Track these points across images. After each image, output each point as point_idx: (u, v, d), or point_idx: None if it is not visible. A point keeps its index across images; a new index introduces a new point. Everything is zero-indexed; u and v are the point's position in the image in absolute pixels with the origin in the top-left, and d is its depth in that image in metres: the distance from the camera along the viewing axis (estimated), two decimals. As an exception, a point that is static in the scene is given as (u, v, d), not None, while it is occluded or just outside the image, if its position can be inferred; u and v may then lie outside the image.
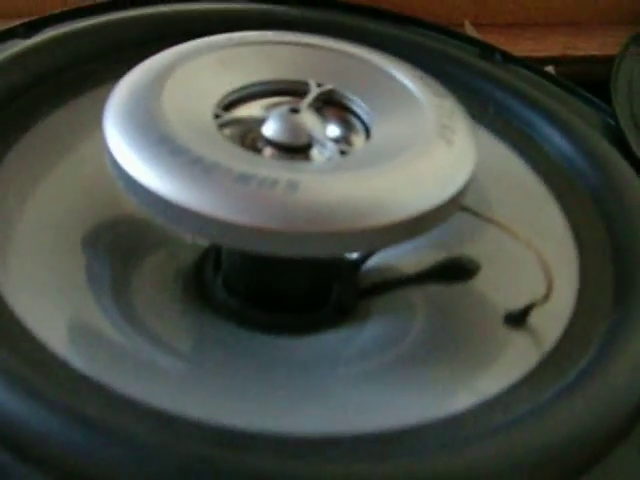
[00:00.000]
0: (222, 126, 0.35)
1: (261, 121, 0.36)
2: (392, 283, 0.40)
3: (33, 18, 0.48)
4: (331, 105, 0.38)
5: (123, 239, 0.40)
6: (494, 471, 0.29)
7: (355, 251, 0.37)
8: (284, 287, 0.38)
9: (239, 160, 0.32)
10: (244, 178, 0.31)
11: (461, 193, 0.34)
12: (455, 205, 0.34)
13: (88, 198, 0.40)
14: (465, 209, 0.35)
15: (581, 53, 0.60)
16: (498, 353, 0.36)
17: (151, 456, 0.28)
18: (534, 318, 0.37)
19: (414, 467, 0.29)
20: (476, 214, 0.36)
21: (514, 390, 0.33)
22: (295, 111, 0.36)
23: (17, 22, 0.47)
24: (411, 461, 0.29)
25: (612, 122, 0.48)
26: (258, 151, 0.35)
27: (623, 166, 0.44)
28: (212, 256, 0.40)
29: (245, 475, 0.28)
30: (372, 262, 0.41)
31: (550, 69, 0.55)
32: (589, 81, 0.52)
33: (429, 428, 0.31)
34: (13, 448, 0.29)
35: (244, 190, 0.31)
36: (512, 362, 0.35)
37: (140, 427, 0.29)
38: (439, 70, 0.43)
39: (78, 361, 0.32)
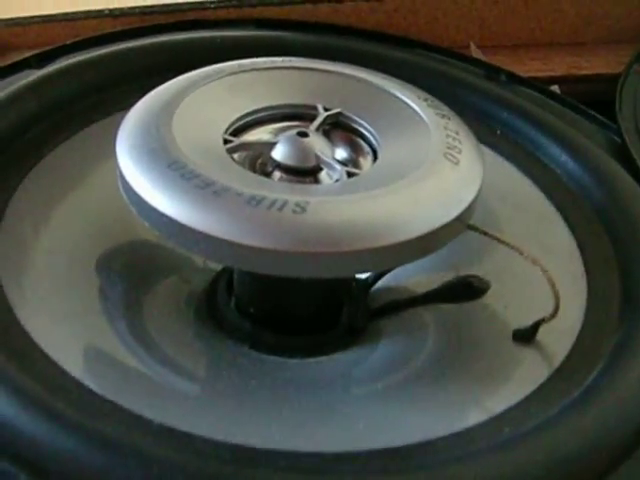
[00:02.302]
0: (232, 151, 0.36)
1: (270, 145, 0.36)
2: (402, 303, 0.40)
3: (45, 49, 0.49)
4: (339, 128, 0.39)
5: (136, 264, 0.40)
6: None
7: (364, 271, 0.38)
8: (295, 309, 0.39)
9: (249, 183, 0.33)
10: (254, 200, 0.32)
11: (468, 212, 0.34)
12: (462, 224, 0.34)
13: (101, 224, 0.41)
14: (472, 228, 0.36)
15: (585, 72, 0.60)
16: (508, 370, 0.36)
17: (167, 475, 0.28)
18: (543, 335, 0.37)
19: (424, 480, 0.29)
20: (483, 233, 0.36)
21: (523, 406, 0.34)
22: (304, 135, 0.36)
23: (30, 53, 0.48)
24: (421, 475, 0.30)
25: (618, 139, 0.49)
26: (268, 175, 0.36)
27: (629, 183, 0.44)
28: (224, 279, 0.40)
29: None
30: (382, 283, 0.41)
31: (555, 89, 0.55)
32: (594, 99, 0.52)
33: (439, 443, 0.32)
34: (30, 468, 0.29)
35: (254, 212, 0.31)
36: (521, 378, 0.36)
37: (155, 446, 0.29)
38: (445, 92, 0.43)
39: (93, 383, 0.33)
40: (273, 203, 0.32)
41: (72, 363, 0.33)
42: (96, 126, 0.44)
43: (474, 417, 0.33)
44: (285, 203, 0.32)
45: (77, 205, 0.41)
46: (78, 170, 0.43)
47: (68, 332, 0.35)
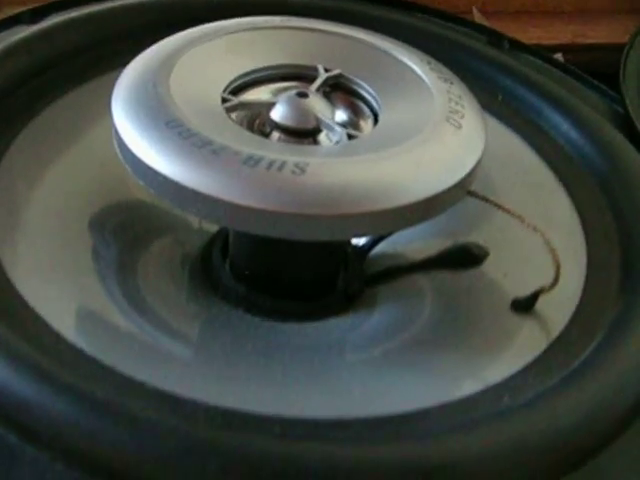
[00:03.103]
0: (230, 110, 0.35)
1: (269, 105, 0.36)
2: (399, 270, 0.39)
3: (38, 5, 0.48)
4: (339, 90, 0.38)
5: (130, 224, 0.40)
6: (501, 454, 0.29)
7: (362, 235, 0.37)
8: (291, 273, 0.38)
9: (247, 143, 0.32)
10: (252, 160, 0.31)
11: (469, 178, 0.34)
12: (463, 189, 0.34)
13: (96, 183, 0.40)
14: (473, 194, 0.35)
15: (590, 41, 0.60)
16: (506, 339, 0.36)
17: (159, 438, 0.28)
18: (542, 304, 0.36)
19: (420, 449, 0.29)
20: (484, 199, 0.36)
21: (522, 375, 0.33)
22: (303, 95, 0.36)
23: (22, 8, 0.47)
24: (417, 444, 0.29)
25: (621, 110, 0.48)
26: (266, 135, 0.35)
27: (631, 153, 0.44)
28: (219, 242, 0.40)
29: (252, 457, 0.28)
30: (379, 249, 0.40)
31: (559, 57, 0.54)
32: (598, 69, 0.51)
33: (436, 412, 0.31)
34: (21, 430, 0.29)
35: (252, 172, 0.31)
36: (520, 348, 0.35)
37: (148, 409, 0.29)
38: (447, 57, 0.42)
39: (86, 345, 0.32)
40: (272, 163, 0.31)
41: (64, 324, 0.33)
42: (91, 84, 0.43)
43: (471, 386, 0.33)
44: (284, 164, 0.31)
45: (71, 164, 0.41)
46: (72, 128, 0.42)
47: (60, 292, 0.35)
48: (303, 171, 0.31)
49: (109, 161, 0.36)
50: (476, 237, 0.40)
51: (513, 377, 0.33)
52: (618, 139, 0.44)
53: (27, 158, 0.39)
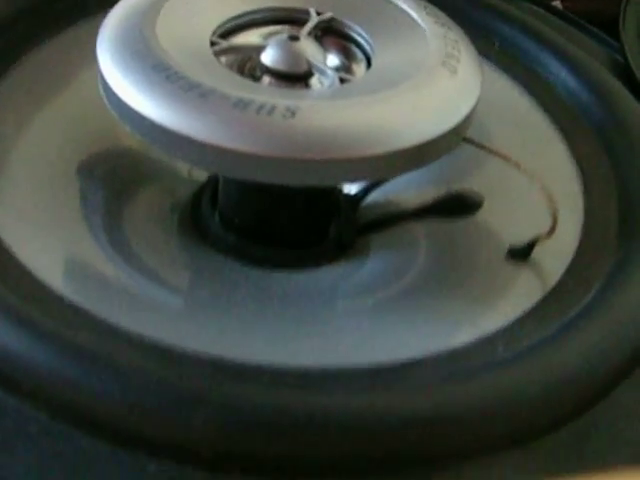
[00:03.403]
0: (219, 54, 0.34)
1: (259, 49, 0.35)
2: (393, 218, 0.39)
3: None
4: (331, 34, 0.37)
5: (119, 172, 0.39)
6: (496, 404, 0.29)
7: (354, 181, 0.36)
8: (282, 221, 0.37)
9: (237, 86, 0.32)
10: (241, 103, 0.30)
11: (465, 123, 0.33)
12: (459, 135, 0.33)
13: (82, 130, 0.39)
14: (469, 140, 0.34)
15: (589, -13, 0.58)
16: (501, 288, 0.35)
17: (145, 387, 0.27)
18: (538, 253, 0.36)
19: (411, 399, 0.28)
20: (480, 146, 0.35)
21: (517, 325, 0.33)
22: (294, 39, 0.35)
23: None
24: (410, 393, 0.29)
25: (620, 59, 0.47)
26: (256, 79, 0.35)
27: (630, 102, 0.43)
28: (209, 190, 0.39)
29: (242, 407, 0.27)
30: (372, 197, 0.40)
31: (557, 4, 0.53)
32: (597, 17, 0.50)
33: (429, 361, 0.31)
34: (3, 380, 0.28)
35: (241, 115, 0.30)
36: (516, 297, 0.35)
37: (133, 358, 0.28)
38: (444, 3, 0.41)
39: (71, 293, 0.31)
40: (261, 107, 0.30)
41: (48, 272, 0.32)
42: (76, 28, 0.42)
43: (466, 335, 0.32)
44: (274, 107, 0.30)
45: (57, 111, 0.40)
46: (57, 75, 0.41)
47: (45, 240, 0.34)
48: (294, 114, 0.30)
49: (96, 108, 0.35)
50: (471, 185, 0.39)
51: (508, 327, 0.33)
52: (617, 87, 0.43)
53: (11, 105, 0.39)
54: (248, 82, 0.33)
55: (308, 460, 0.27)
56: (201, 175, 0.40)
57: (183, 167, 0.40)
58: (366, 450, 0.28)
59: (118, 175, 0.39)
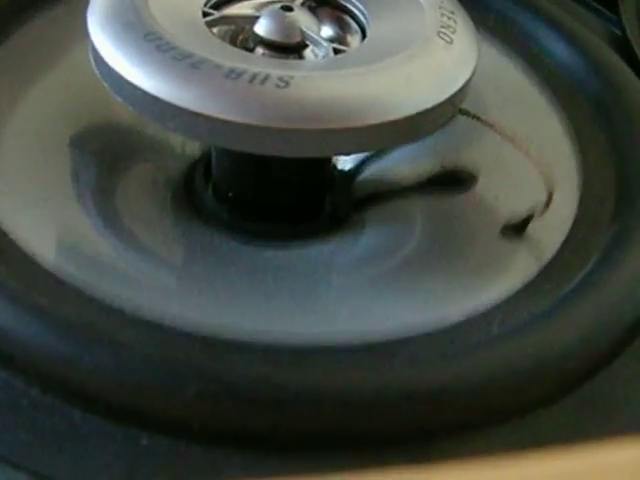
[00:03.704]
0: (211, 24, 0.34)
1: (252, 19, 0.34)
2: (388, 193, 0.38)
3: None
4: (326, 5, 0.37)
5: (111, 147, 0.38)
6: (492, 379, 0.29)
7: (349, 152, 0.36)
8: (276, 195, 0.37)
9: (229, 56, 0.31)
10: (234, 73, 0.30)
11: (461, 94, 0.33)
12: (454, 106, 0.33)
13: (75, 105, 0.39)
14: (465, 112, 0.34)
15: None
16: (497, 263, 0.35)
17: (137, 361, 0.27)
18: (534, 228, 0.35)
19: (406, 376, 0.28)
20: (476, 118, 0.35)
21: (513, 300, 0.32)
22: (288, 9, 0.34)
23: None
24: (403, 370, 0.28)
25: (618, 32, 0.47)
26: (250, 51, 0.34)
27: (628, 76, 0.42)
28: (202, 165, 0.39)
29: (234, 380, 0.27)
30: (367, 172, 0.39)
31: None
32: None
33: (424, 338, 0.30)
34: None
35: (234, 85, 0.30)
36: (511, 272, 0.34)
37: (125, 333, 0.28)
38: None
39: (62, 270, 0.31)
40: (254, 76, 0.30)
41: (40, 248, 0.32)
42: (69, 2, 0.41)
43: (461, 310, 0.32)
44: (267, 77, 0.30)
45: (51, 84, 0.39)
46: (53, 47, 0.40)
47: (37, 216, 0.34)
48: (287, 84, 0.30)
49: (90, 82, 0.35)
50: (467, 159, 0.38)
51: (504, 302, 0.32)
52: (614, 61, 0.43)
53: (3, 80, 0.38)
54: (241, 52, 0.33)
55: (302, 433, 0.27)
56: (195, 150, 0.39)
57: (177, 142, 0.39)
58: (360, 424, 0.28)
59: (111, 150, 0.38)
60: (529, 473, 0.26)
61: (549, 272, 0.34)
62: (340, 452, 0.27)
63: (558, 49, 0.43)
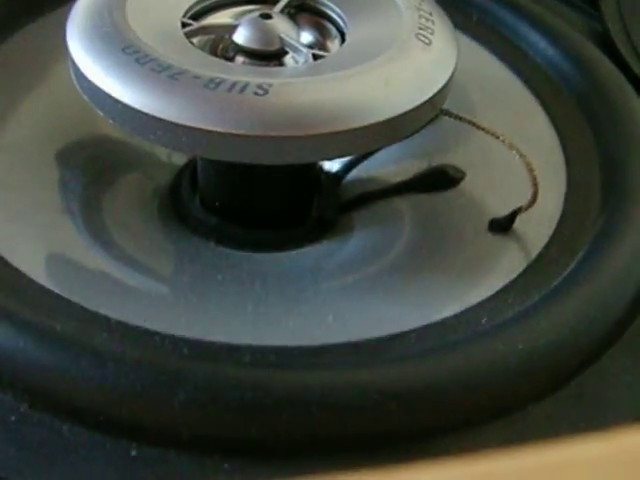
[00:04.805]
0: (190, 35, 0.34)
1: (231, 28, 0.35)
2: (375, 195, 0.38)
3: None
4: (305, 12, 0.37)
5: (97, 159, 0.39)
6: (481, 375, 0.29)
7: (331, 157, 0.36)
8: (262, 202, 0.37)
9: (208, 66, 0.32)
10: (213, 83, 0.30)
11: (440, 95, 0.33)
12: (434, 107, 0.33)
13: (60, 118, 0.39)
14: (447, 113, 0.34)
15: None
16: (484, 260, 0.35)
17: (121, 372, 0.27)
18: (521, 224, 0.36)
19: (394, 373, 0.28)
20: (458, 117, 0.35)
21: (501, 296, 0.33)
22: (267, 17, 0.34)
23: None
24: (391, 367, 0.28)
25: (600, 28, 0.47)
26: (230, 60, 0.34)
27: (611, 71, 0.42)
28: (188, 174, 0.39)
29: (222, 387, 0.27)
30: (354, 175, 0.39)
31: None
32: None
33: (412, 335, 0.30)
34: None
35: (213, 95, 0.30)
36: (499, 268, 0.34)
37: (111, 342, 0.28)
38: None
39: (49, 281, 0.31)
40: (233, 85, 0.30)
41: (25, 261, 0.32)
42: (58, 13, 0.41)
43: (449, 308, 0.32)
44: (246, 85, 0.30)
45: (36, 98, 0.40)
46: (38, 60, 0.41)
47: (23, 229, 0.34)
48: (266, 92, 0.30)
49: (75, 95, 0.35)
50: (452, 158, 0.38)
51: (492, 298, 0.32)
52: (597, 57, 0.43)
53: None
54: (220, 62, 0.33)
55: (290, 439, 0.27)
56: (181, 160, 0.39)
57: (162, 152, 0.39)
58: (350, 427, 0.28)
59: (97, 162, 0.38)
60: (516, 465, 0.26)
61: (537, 267, 0.34)
62: (330, 457, 0.27)
63: (541, 46, 0.43)
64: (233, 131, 0.30)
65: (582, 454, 0.24)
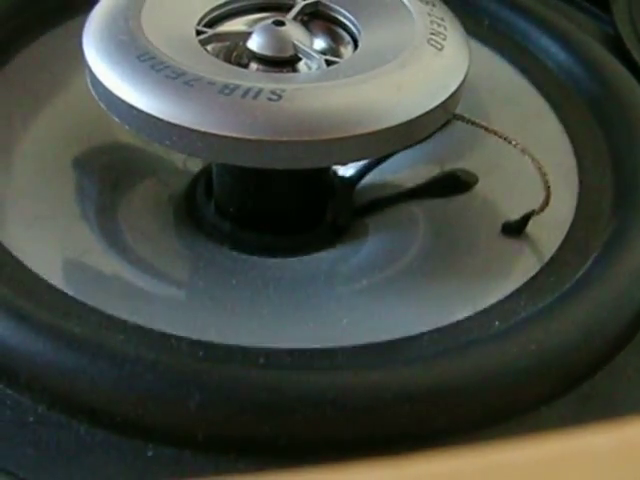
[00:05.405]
0: (205, 42, 0.34)
1: (245, 35, 0.35)
2: (389, 200, 0.39)
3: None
4: (318, 18, 0.37)
5: (114, 165, 0.39)
6: (493, 377, 0.29)
7: (344, 162, 0.36)
8: (277, 207, 0.37)
9: (222, 73, 0.32)
10: (227, 89, 0.31)
11: (453, 99, 0.33)
12: (446, 112, 0.33)
13: (78, 125, 0.39)
14: (459, 117, 0.34)
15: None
16: (497, 263, 0.35)
17: (137, 373, 0.27)
18: (533, 227, 0.36)
19: (407, 374, 0.28)
20: (471, 122, 0.35)
21: (514, 299, 0.33)
22: (280, 24, 0.35)
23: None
24: (404, 369, 0.29)
25: (611, 31, 0.47)
26: (244, 66, 0.35)
27: (623, 75, 0.42)
28: (203, 181, 0.39)
29: (237, 388, 0.27)
30: (368, 180, 0.40)
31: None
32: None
33: (425, 338, 0.31)
34: (1, 372, 0.28)
35: (227, 100, 0.30)
36: (512, 271, 0.35)
37: (128, 345, 0.28)
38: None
39: (66, 285, 0.32)
40: (247, 91, 0.31)
41: (44, 265, 0.33)
42: (75, 21, 0.42)
43: (462, 311, 0.32)
44: (260, 91, 0.31)
45: (54, 105, 0.40)
46: (52, 71, 0.41)
47: (41, 234, 0.34)
48: (280, 97, 0.30)
49: (90, 104, 0.35)
50: (465, 163, 0.39)
51: (504, 300, 0.33)
52: (609, 60, 0.43)
53: (7, 102, 0.39)
54: (234, 68, 0.33)
55: (304, 440, 0.27)
56: (196, 167, 0.40)
57: (178, 158, 0.40)
58: (364, 428, 0.28)
59: (114, 168, 0.39)
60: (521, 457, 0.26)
61: (550, 270, 0.34)
62: (345, 457, 0.27)
63: (552, 50, 0.43)
64: (247, 136, 0.30)
65: (588, 447, 0.24)
